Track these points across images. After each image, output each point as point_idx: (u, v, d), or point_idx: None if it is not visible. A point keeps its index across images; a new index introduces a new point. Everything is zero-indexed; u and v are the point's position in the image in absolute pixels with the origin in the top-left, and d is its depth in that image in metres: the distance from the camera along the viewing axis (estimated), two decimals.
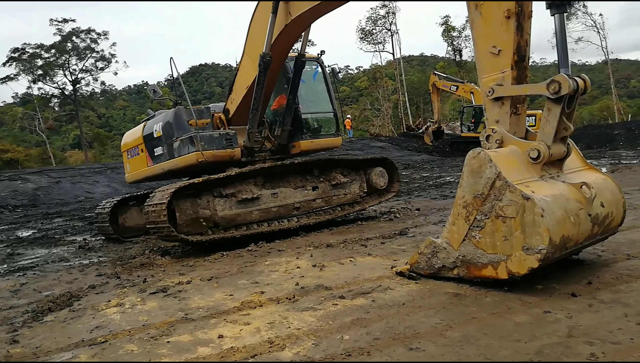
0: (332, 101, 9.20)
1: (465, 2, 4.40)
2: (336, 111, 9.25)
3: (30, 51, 52.52)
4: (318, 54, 9.15)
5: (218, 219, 7.06)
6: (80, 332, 3.94)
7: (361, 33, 55.33)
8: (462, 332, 3.13)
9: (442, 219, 7.58)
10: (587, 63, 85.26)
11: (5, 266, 7.69)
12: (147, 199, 6.94)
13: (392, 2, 52.56)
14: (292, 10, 6.77)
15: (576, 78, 3.94)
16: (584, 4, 47.93)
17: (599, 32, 48.93)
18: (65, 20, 53.29)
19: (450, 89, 27.91)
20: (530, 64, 4.41)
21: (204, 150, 7.39)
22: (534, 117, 21.71)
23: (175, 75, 7.61)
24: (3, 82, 53.39)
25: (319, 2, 6.33)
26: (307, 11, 6.60)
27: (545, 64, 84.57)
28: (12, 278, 6.62)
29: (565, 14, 4.30)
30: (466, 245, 3.99)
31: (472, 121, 27.53)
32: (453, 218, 4.09)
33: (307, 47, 8.36)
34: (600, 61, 72.27)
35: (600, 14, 62.27)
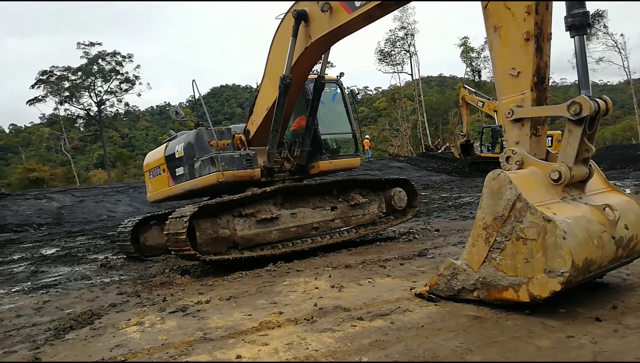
0: (351, 122, 9.26)
1: (483, 25, 4.42)
2: (355, 131, 9.31)
3: (58, 73, 54.24)
4: (337, 76, 9.25)
5: (237, 239, 7.10)
6: (100, 350, 3.98)
7: (380, 54, 55.83)
8: (482, 356, 3.08)
9: (462, 241, 7.50)
10: (608, 83, 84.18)
11: (29, 283, 7.84)
12: (168, 218, 7.03)
13: (411, 25, 52.96)
14: (312, 33, 6.89)
15: (597, 99, 3.91)
16: (604, 24, 47.65)
17: (620, 52, 48.54)
18: (92, 44, 54.97)
19: (477, 105, 27.86)
20: (550, 84, 4.39)
21: (225, 170, 7.48)
22: (550, 138, 21.44)
23: (197, 97, 7.77)
24: (31, 104, 55.08)
25: (338, 25, 6.42)
26: (327, 34, 6.70)
27: (566, 84, 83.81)
28: (36, 296, 6.74)
29: (585, 36, 4.28)
30: (486, 266, 3.94)
31: (490, 141, 27.38)
32: (473, 240, 4.05)
33: (326, 68, 8.47)
34: (622, 81, 71.38)
35: (622, 34, 61.71)
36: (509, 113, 4.23)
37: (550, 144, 20.93)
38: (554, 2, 4.14)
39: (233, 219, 7.13)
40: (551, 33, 4.21)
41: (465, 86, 29.90)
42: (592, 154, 4.07)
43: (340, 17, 6.34)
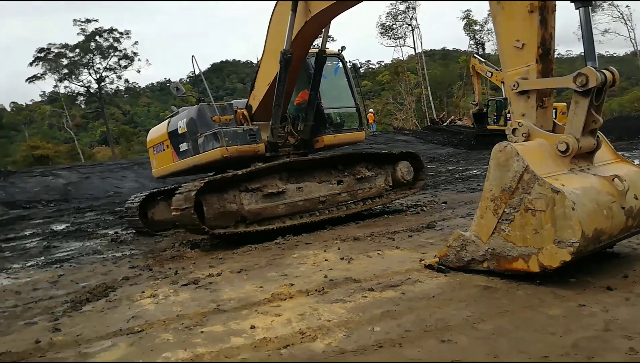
0: (354, 96, 9.20)
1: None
2: (358, 105, 9.26)
3: (56, 50, 53.77)
4: (339, 50, 9.14)
5: (245, 213, 7.15)
6: (117, 321, 4.07)
7: (381, 28, 55.04)
8: (494, 325, 3.13)
9: (470, 213, 7.53)
10: (615, 55, 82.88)
11: (42, 258, 7.96)
12: (175, 195, 7.07)
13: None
14: (311, 8, 6.79)
15: (604, 70, 3.88)
16: None
17: (626, 24, 47.70)
18: (88, 21, 54.34)
19: (486, 75, 27.50)
20: (555, 56, 4.35)
21: (228, 146, 7.48)
22: (555, 110, 21.18)
23: (197, 72, 7.72)
24: (31, 81, 54.79)
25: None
26: (327, 9, 6.60)
27: (572, 56, 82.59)
28: (50, 270, 6.85)
29: (590, 7, 4.22)
30: (495, 238, 3.97)
31: (495, 114, 27.16)
32: (481, 211, 4.08)
33: (327, 42, 8.38)
34: (629, 52, 70.31)
35: (627, 5, 60.42)
36: (514, 85, 4.21)
37: (554, 116, 20.74)
38: None
39: (240, 194, 7.16)
40: (555, 5, 4.15)
41: (475, 55, 29.45)
42: (600, 126, 4.05)
43: None
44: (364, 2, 6.55)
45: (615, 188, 3.87)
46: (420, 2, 54.12)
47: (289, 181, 7.66)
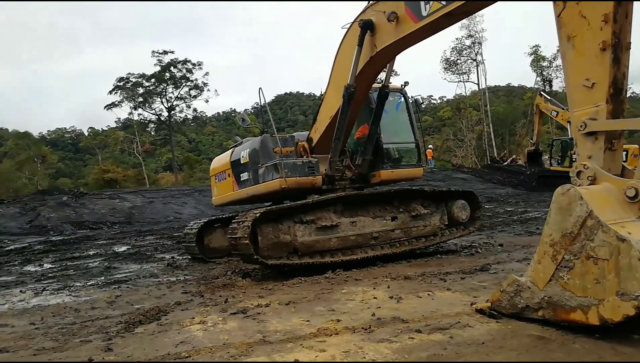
0: (414, 132, 9.18)
1: (556, 33, 4.27)
2: (418, 141, 9.22)
3: (134, 80, 57.37)
4: (402, 85, 9.21)
5: (298, 244, 7.22)
6: (166, 345, 4.18)
7: (445, 63, 54.87)
8: None
9: (527, 257, 7.22)
10: None
11: (102, 278, 8.35)
12: (232, 222, 7.26)
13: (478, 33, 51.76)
14: (377, 42, 6.91)
15: None
16: None
17: None
18: (165, 52, 57.74)
19: (551, 114, 26.71)
20: (630, 95, 4.18)
21: (287, 177, 7.64)
22: (625, 152, 20.16)
23: (263, 105, 7.99)
24: (109, 109, 58.54)
25: (404, 35, 6.41)
26: (393, 44, 6.70)
27: None
28: (109, 290, 7.17)
29: None
30: (553, 285, 3.78)
31: (559, 154, 26.16)
32: (539, 257, 3.90)
33: (390, 77, 8.47)
34: None
35: None
36: (581, 126, 4.05)
37: (625, 159, 19.68)
38: (635, 8, 3.94)
39: (294, 226, 7.26)
40: (630, 42, 4.00)
41: (542, 93, 28.64)
42: None
43: (407, 26, 6.32)
44: (429, 38, 6.59)
45: None
46: (486, 35, 53.39)
47: (343, 215, 7.68)
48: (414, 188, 8.36)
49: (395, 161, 8.90)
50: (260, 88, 7.97)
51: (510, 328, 3.93)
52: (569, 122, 25.00)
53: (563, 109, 25.61)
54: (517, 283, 4.05)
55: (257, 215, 6.88)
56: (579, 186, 3.90)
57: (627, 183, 3.79)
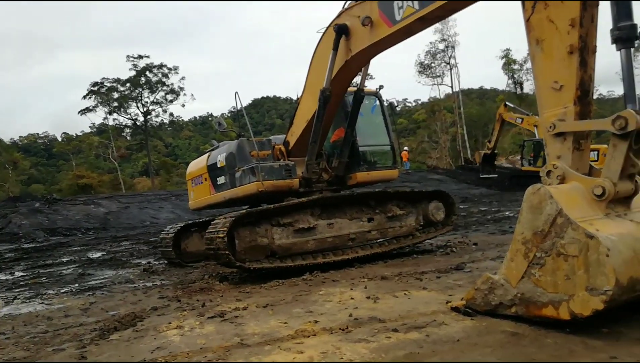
0: (390, 134, 9.29)
1: (525, 37, 4.38)
2: (393, 143, 9.32)
3: (108, 85, 56.55)
4: (377, 89, 9.31)
5: (275, 247, 7.22)
6: (142, 351, 4.12)
7: (420, 67, 55.54)
8: None
9: (500, 255, 7.34)
10: None
11: (76, 285, 8.19)
12: (209, 226, 7.21)
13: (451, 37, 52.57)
14: (352, 46, 6.97)
15: None
16: None
17: None
18: (140, 57, 57.08)
19: (515, 121, 27.35)
20: (596, 97, 4.30)
21: (264, 180, 7.63)
22: (596, 152, 20.91)
23: (240, 109, 7.97)
24: (83, 114, 57.58)
25: (379, 39, 6.48)
26: (367, 47, 6.76)
27: (613, 97, 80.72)
28: (83, 297, 7.04)
29: (632, 48, 4.18)
30: (525, 282, 3.86)
31: (532, 155, 26.76)
32: (511, 254, 3.99)
33: (365, 81, 8.54)
34: None
35: None
36: (550, 127, 4.15)
37: (596, 158, 20.36)
38: (600, 14, 4.07)
39: (271, 229, 7.25)
40: (596, 46, 4.11)
41: (507, 103, 29.28)
42: (638, 170, 3.94)
43: (381, 30, 6.40)
44: (403, 41, 6.68)
45: None
46: (459, 40, 54.33)
47: (320, 217, 7.70)
48: (389, 190, 8.43)
49: (371, 164, 8.97)
50: (236, 92, 7.97)
51: (484, 325, 3.99)
52: (535, 126, 25.67)
53: (527, 115, 26.32)
54: (490, 281, 4.12)
55: (234, 219, 6.85)
56: (549, 185, 4.00)
57: (595, 181, 3.90)
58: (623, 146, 3.81)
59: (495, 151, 29.37)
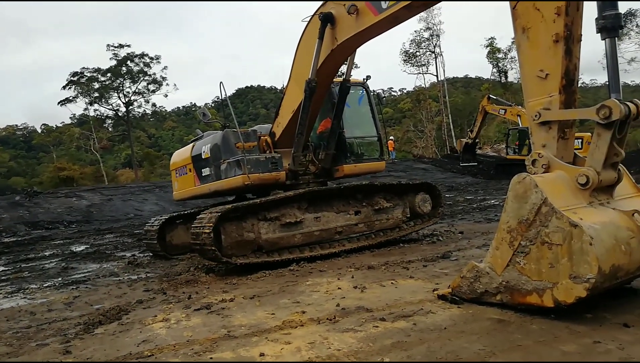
0: (377, 125, 9.24)
1: (511, 26, 4.37)
2: (380, 135, 9.30)
3: (88, 74, 55.53)
4: (364, 79, 9.24)
5: (262, 242, 7.16)
6: (128, 345, 4.08)
7: (405, 55, 55.52)
8: (506, 359, 3.06)
9: (486, 243, 7.43)
10: None
11: (60, 279, 8.06)
12: (195, 221, 7.12)
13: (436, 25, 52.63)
14: (338, 35, 6.91)
15: (628, 103, 3.82)
16: (637, 24, 46.40)
17: None
18: (121, 46, 56.10)
19: (498, 113, 27.61)
20: (580, 85, 4.32)
21: (250, 173, 7.55)
22: (580, 140, 21.29)
23: (224, 99, 7.86)
24: (63, 105, 56.51)
25: (365, 28, 6.43)
26: (353, 36, 6.71)
27: (596, 85, 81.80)
28: (66, 291, 6.94)
29: (616, 38, 4.20)
30: (510, 270, 3.90)
31: (517, 143, 27.05)
32: (497, 243, 4.02)
33: (351, 70, 8.49)
34: None
35: None
36: (535, 116, 4.17)
37: (580, 147, 20.70)
38: (584, 2, 4.07)
39: (258, 223, 7.18)
40: (581, 35, 4.13)
41: (490, 96, 29.50)
42: (622, 159, 3.99)
43: (367, 19, 6.35)
44: (389, 30, 6.64)
45: (635, 223, 3.78)
46: (444, 28, 54.46)
47: (307, 211, 7.63)
48: (376, 183, 8.40)
49: (358, 155, 8.95)
50: (221, 82, 7.84)
51: (471, 312, 4.03)
52: (519, 115, 25.96)
53: (510, 105, 26.61)
54: (476, 269, 4.15)
55: (220, 214, 6.76)
56: (534, 173, 4.02)
57: (579, 170, 3.94)
58: (607, 135, 3.84)
59: (477, 141, 29.65)
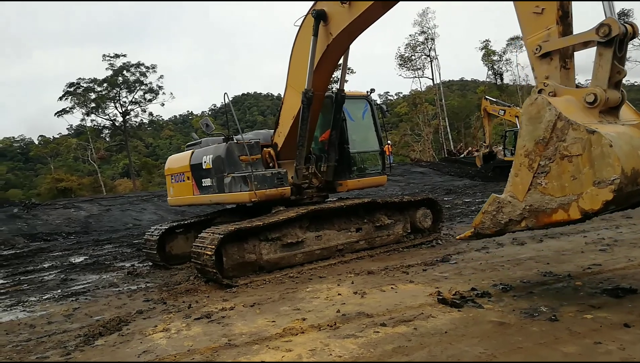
0: (380, 139, 9.22)
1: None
2: (383, 149, 9.31)
3: (85, 85, 55.48)
4: (367, 92, 9.20)
5: (263, 262, 7.09)
6: (128, 356, 4.07)
7: (400, 59, 55.65)
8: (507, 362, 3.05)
9: (486, 246, 7.43)
10: (636, 83, 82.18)
11: (59, 291, 8.03)
12: (197, 240, 7.02)
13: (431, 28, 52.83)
14: (332, 29, 6.94)
15: (624, 24, 3.88)
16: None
17: None
18: (117, 56, 56.12)
19: (499, 114, 27.74)
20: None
21: (257, 189, 7.51)
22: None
23: (228, 110, 7.80)
24: (60, 115, 56.40)
25: (359, 14, 6.46)
26: (348, 27, 6.72)
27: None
28: (66, 303, 6.91)
29: None
30: (532, 194, 3.90)
31: (513, 145, 27.14)
32: (515, 170, 4.02)
33: (346, 74, 8.49)
34: None
35: None
36: (536, 49, 4.24)
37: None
38: None
39: (259, 244, 7.09)
40: None
41: (486, 97, 29.68)
42: (624, 76, 4.02)
43: (361, 4, 6.38)
44: (382, 16, 6.67)
45: None
46: (439, 31, 54.68)
47: (309, 230, 7.55)
48: (378, 200, 8.29)
49: (361, 170, 8.91)
50: (225, 93, 7.88)
51: (471, 316, 4.03)
52: (517, 116, 26.04)
53: (509, 106, 26.78)
54: (497, 201, 4.14)
55: (222, 237, 6.63)
56: None
57: (586, 90, 3.98)
58: (609, 53, 3.87)
59: (493, 151, 29.85)
